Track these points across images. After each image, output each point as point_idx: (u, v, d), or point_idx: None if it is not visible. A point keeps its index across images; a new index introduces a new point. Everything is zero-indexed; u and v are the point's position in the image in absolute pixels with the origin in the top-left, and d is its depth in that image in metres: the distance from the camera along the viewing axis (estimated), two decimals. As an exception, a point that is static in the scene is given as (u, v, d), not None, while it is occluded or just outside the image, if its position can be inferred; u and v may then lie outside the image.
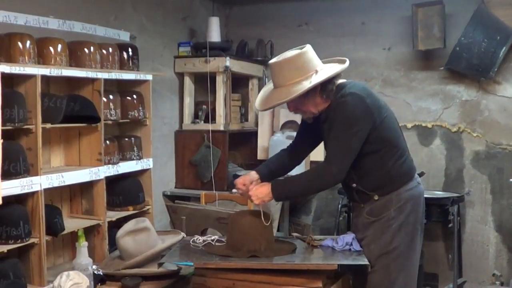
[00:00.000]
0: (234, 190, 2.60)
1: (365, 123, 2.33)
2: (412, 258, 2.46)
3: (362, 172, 2.42)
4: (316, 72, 2.34)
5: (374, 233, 2.44)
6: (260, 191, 2.42)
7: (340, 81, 2.44)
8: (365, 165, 2.40)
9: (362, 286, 2.48)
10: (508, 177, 4.11)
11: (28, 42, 2.79)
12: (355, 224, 2.57)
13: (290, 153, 2.73)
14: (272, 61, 2.43)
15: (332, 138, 2.37)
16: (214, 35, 4.37)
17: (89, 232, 3.17)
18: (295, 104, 2.41)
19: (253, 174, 2.58)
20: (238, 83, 4.60)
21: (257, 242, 2.41)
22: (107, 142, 3.27)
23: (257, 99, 2.55)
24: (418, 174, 2.62)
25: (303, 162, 4.18)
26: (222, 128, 4.24)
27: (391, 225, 2.41)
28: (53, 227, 2.85)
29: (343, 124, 2.33)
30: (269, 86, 2.54)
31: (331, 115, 2.39)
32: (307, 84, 2.31)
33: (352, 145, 2.33)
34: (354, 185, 2.47)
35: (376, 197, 2.44)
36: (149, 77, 3.62)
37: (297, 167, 2.80)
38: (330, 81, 2.36)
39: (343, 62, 2.47)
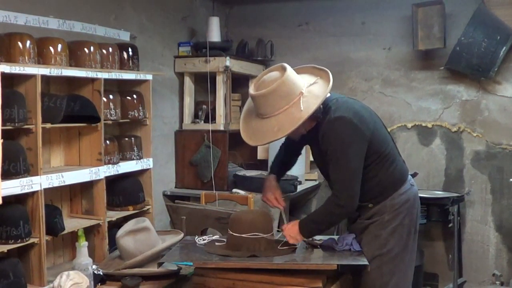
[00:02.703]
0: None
1: (360, 143, 2.31)
2: (405, 260, 2.45)
3: None
4: (302, 94, 2.26)
5: (369, 235, 2.44)
6: (292, 231, 2.44)
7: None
8: None
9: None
10: (508, 177, 4.11)
11: (28, 42, 2.78)
12: (352, 229, 2.57)
13: (287, 150, 2.79)
14: (253, 91, 2.31)
15: (332, 168, 2.34)
16: (214, 35, 4.37)
17: (89, 232, 3.17)
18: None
19: (273, 181, 2.69)
20: (238, 83, 4.60)
21: (257, 242, 2.41)
22: (107, 142, 3.27)
23: (242, 130, 2.42)
24: (411, 175, 2.60)
25: (303, 163, 4.23)
26: (222, 128, 4.24)
27: (385, 228, 2.41)
28: (53, 227, 2.85)
29: (339, 152, 2.30)
30: (248, 110, 2.44)
31: (320, 136, 2.35)
32: (298, 113, 2.22)
33: (353, 170, 2.31)
34: None
35: (370, 205, 2.44)
36: (149, 77, 3.62)
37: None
38: None
39: (321, 71, 2.41)
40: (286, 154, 2.79)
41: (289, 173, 3.98)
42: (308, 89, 2.30)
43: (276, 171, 2.76)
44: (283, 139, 2.66)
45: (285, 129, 2.25)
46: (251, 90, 2.35)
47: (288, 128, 2.24)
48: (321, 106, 2.32)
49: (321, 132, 2.34)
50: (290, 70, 2.31)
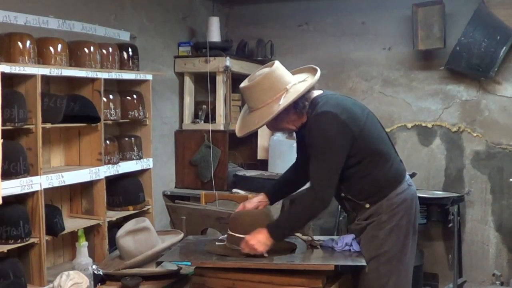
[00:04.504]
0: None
1: (343, 140, 2.29)
2: (403, 261, 2.43)
3: (349, 183, 2.39)
4: (286, 90, 2.30)
5: (366, 236, 2.43)
6: (260, 238, 2.33)
7: (315, 93, 2.41)
8: (351, 176, 2.37)
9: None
10: (508, 177, 4.11)
11: (28, 42, 2.78)
12: (350, 230, 2.56)
13: (297, 168, 2.72)
14: (242, 85, 2.41)
15: (312, 161, 2.34)
16: (214, 35, 4.37)
17: (89, 232, 3.17)
18: (272, 125, 2.40)
19: (260, 196, 2.65)
20: (238, 83, 4.55)
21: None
22: (107, 142, 3.27)
23: (237, 123, 2.50)
24: (410, 175, 2.59)
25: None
26: (222, 128, 4.24)
27: (382, 229, 2.39)
28: (53, 227, 2.85)
29: (320, 146, 2.30)
30: (246, 105, 2.52)
31: (306, 130, 2.37)
32: (276, 107, 2.28)
33: (332, 165, 2.30)
34: (343, 194, 2.45)
35: (367, 205, 2.42)
36: (149, 77, 3.62)
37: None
38: (301, 97, 2.31)
39: (315, 70, 2.43)
40: (296, 172, 2.72)
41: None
42: (295, 86, 2.34)
43: (271, 191, 2.70)
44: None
45: (263, 120, 2.32)
46: (242, 83, 2.42)
47: (265, 119, 2.31)
48: (305, 102, 2.35)
49: (307, 126, 2.37)
50: (277, 66, 2.36)
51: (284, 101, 2.29)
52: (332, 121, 2.28)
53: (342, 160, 2.32)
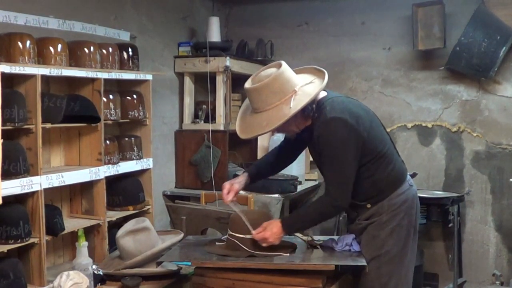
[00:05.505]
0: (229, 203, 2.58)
1: (355, 144, 2.30)
2: (404, 261, 2.44)
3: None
4: (295, 92, 2.28)
5: (367, 236, 2.43)
6: (274, 232, 2.38)
7: (320, 95, 2.40)
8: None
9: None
10: (508, 177, 4.11)
11: (28, 42, 2.78)
12: (350, 230, 2.56)
13: (280, 153, 2.74)
14: (248, 85, 2.36)
15: (326, 168, 2.36)
16: (214, 35, 4.37)
17: (89, 232, 3.17)
18: (277, 128, 2.35)
19: (242, 178, 2.62)
20: (238, 83, 4.59)
21: (257, 242, 2.41)
22: (107, 142, 3.27)
23: (237, 124, 2.46)
24: (411, 175, 2.59)
25: (303, 163, 4.24)
26: (222, 128, 4.24)
27: (383, 229, 2.40)
28: (53, 227, 2.85)
29: (335, 153, 2.30)
30: (246, 104, 2.48)
31: (315, 136, 2.35)
32: (287, 110, 2.25)
33: (346, 171, 2.31)
34: None
35: (368, 205, 2.43)
36: (149, 77, 3.62)
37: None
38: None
39: (320, 72, 2.42)
40: (278, 157, 2.74)
41: (289, 173, 4.01)
42: (302, 88, 2.32)
43: (253, 172, 2.70)
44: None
45: (272, 123, 2.28)
46: (247, 84, 2.38)
47: (275, 123, 2.27)
48: (313, 105, 2.34)
49: (316, 133, 2.35)
50: (285, 68, 2.33)
51: (296, 104, 2.26)
52: (342, 127, 2.28)
53: (357, 165, 2.33)
